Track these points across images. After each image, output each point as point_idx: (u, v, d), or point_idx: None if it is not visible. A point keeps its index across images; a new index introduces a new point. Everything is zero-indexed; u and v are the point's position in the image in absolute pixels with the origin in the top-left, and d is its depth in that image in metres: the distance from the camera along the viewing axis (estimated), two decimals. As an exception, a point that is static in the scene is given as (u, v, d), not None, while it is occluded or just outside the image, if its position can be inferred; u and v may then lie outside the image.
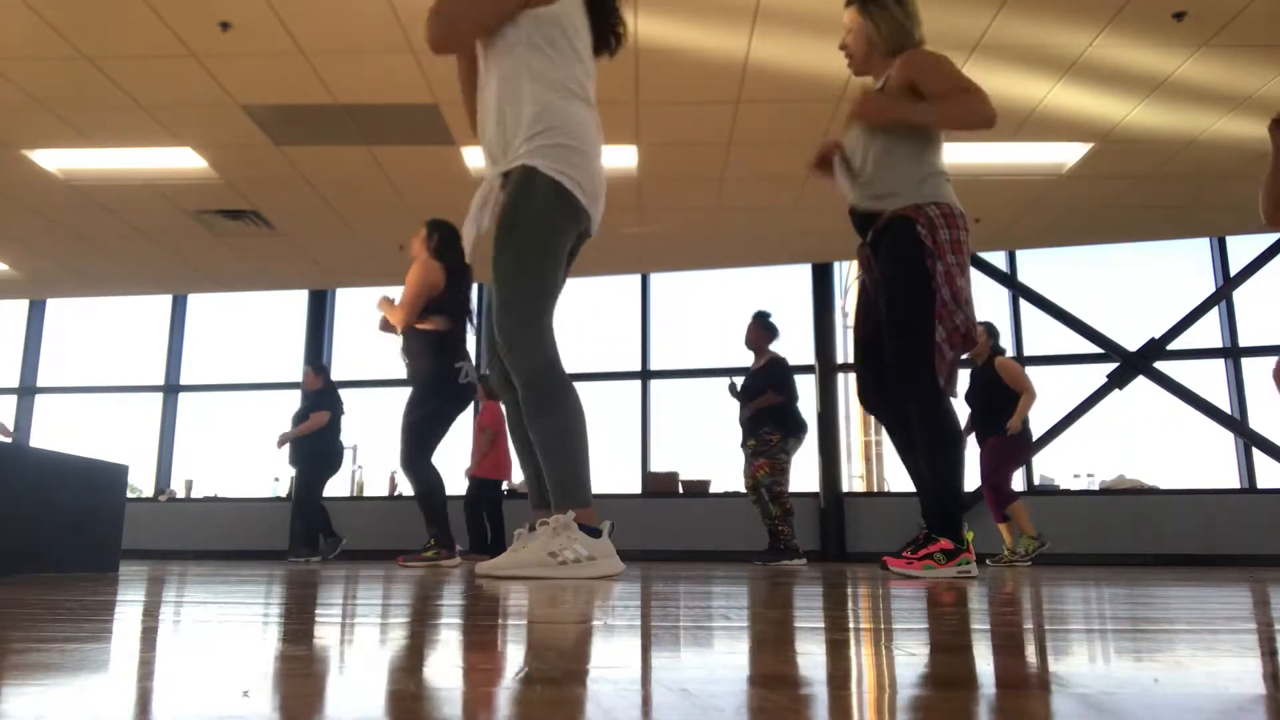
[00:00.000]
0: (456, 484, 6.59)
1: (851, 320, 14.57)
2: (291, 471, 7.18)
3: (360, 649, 0.85)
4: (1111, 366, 7.86)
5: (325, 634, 0.99)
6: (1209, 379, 7.88)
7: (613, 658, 0.78)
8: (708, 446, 9.86)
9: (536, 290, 2.41)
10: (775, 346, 6.21)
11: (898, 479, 6.42)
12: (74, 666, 0.70)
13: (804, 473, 8.08)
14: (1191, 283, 8.13)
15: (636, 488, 8.33)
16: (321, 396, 7.15)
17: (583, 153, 2.50)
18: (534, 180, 2.44)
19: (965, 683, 0.65)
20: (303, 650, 0.83)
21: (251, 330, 10.25)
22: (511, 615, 1.23)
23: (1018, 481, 7.93)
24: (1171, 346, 7.83)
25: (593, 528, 2.42)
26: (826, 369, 8.39)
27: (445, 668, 0.72)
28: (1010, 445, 6.27)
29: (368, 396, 9.06)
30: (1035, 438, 7.87)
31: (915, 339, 2.86)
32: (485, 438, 7.14)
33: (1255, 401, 7.72)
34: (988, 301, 8.42)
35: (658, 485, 8.21)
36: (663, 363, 8.58)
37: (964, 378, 6.40)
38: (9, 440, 8.27)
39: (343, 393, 7.07)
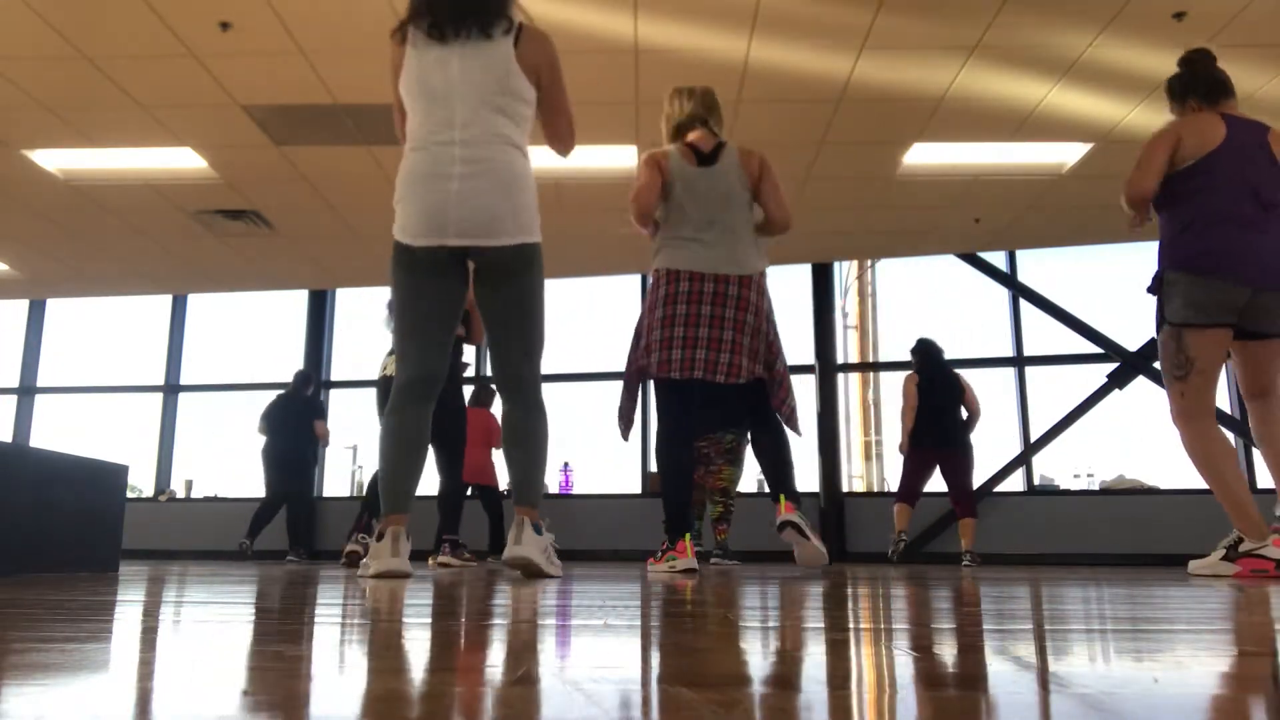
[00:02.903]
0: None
1: (852, 320, 14.39)
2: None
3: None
4: (1111, 366, 7.86)
5: (323, 634, 0.99)
6: (1209, 379, 7.87)
7: (613, 658, 0.78)
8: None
9: (395, 330, 2.90)
10: None
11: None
12: (74, 666, 0.70)
13: (804, 472, 8.08)
14: (1191, 283, 8.12)
15: (636, 488, 8.33)
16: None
17: (404, 190, 2.71)
18: None
19: (971, 683, 0.65)
20: (299, 650, 0.83)
21: (251, 330, 10.25)
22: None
23: (1018, 481, 7.97)
24: (1171, 346, 7.82)
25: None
26: (826, 369, 8.39)
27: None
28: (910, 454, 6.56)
29: (367, 397, 9.05)
30: (1035, 438, 7.90)
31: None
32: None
33: (1255, 401, 7.71)
34: (988, 301, 8.43)
35: (657, 485, 8.20)
36: (663, 363, 8.56)
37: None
38: None
39: (341, 393, 7.12)
